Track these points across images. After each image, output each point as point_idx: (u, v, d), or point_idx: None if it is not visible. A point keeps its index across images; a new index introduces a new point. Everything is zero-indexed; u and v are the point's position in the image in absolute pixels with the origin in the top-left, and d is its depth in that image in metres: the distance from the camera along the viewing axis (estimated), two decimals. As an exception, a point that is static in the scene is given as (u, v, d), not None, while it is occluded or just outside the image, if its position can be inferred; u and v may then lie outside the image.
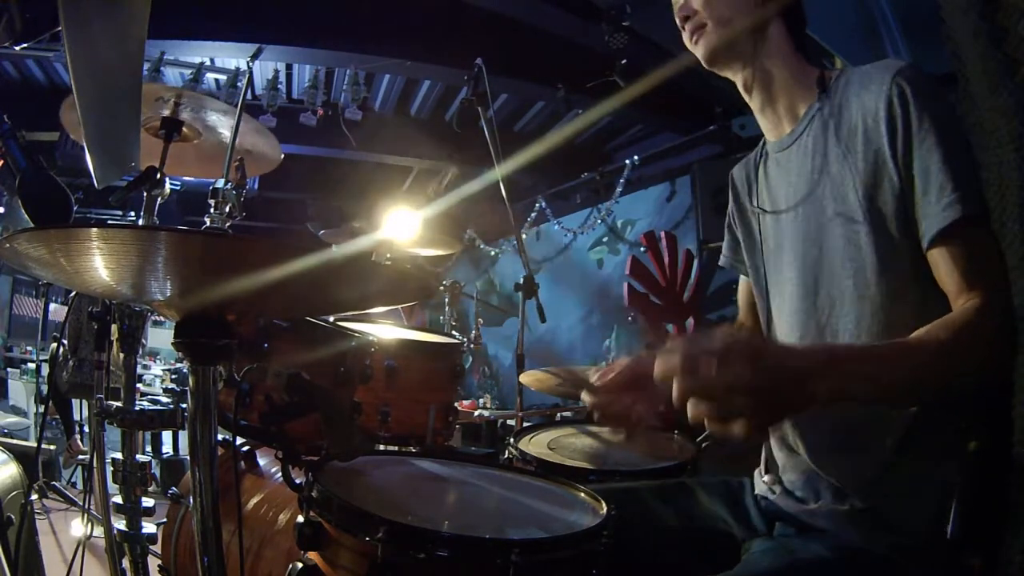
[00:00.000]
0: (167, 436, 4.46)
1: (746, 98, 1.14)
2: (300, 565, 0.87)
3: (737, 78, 1.11)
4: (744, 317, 1.30)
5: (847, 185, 0.97)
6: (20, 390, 5.53)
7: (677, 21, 1.11)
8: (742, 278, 1.29)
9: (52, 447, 3.61)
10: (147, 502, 1.63)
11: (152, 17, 1.04)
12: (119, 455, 1.59)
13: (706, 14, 1.06)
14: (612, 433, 1.08)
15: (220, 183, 1.47)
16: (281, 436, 1.07)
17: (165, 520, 1.51)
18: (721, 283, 4.40)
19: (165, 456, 4.10)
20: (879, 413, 0.93)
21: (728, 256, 1.30)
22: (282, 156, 1.96)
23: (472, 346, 3.61)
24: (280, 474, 1.10)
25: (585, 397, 1.09)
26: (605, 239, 5.58)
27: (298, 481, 1.00)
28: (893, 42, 1.95)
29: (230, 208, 1.48)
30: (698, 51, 1.09)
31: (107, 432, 1.80)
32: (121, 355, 1.61)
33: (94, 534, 2.22)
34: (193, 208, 5.52)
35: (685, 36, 1.11)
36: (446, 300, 3.61)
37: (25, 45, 3.61)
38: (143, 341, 1.70)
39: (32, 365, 5.46)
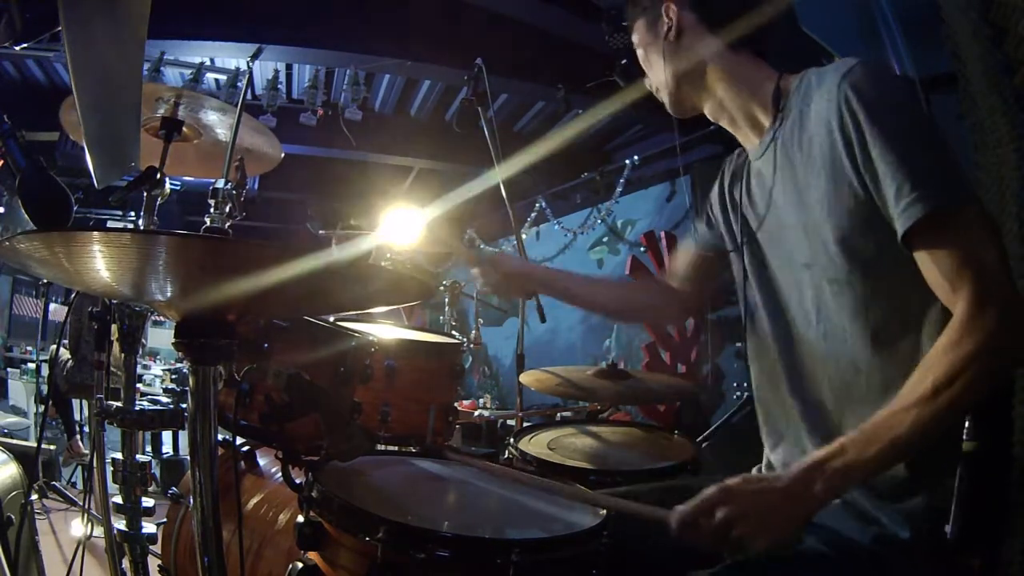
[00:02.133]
0: (167, 436, 4.46)
1: (719, 124, 1.16)
2: (300, 565, 0.87)
3: (705, 111, 1.16)
4: (671, 276, 1.39)
5: (810, 195, 0.97)
6: (20, 390, 5.52)
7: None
8: (693, 244, 1.34)
9: (52, 447, 3.60)
10: (147, 502, 1.63)
11: (152, 17, 1.04)
12: (119, 455, 1.59)
13: (652, 80, 1.17)
14: None
15: (220, 183, 1.46)
16: (281, 436, 1.07)
17: (165, 520, 1.51)
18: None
19: (165, 456, 4.10)
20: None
21: (701, 234, 1.32)
22: (282, 156, 1.96)
23: (472, 346, 3.60)
24: (280, 474, 1.10)
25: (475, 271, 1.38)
26: (605, 239, 5.57)
27: (298, 481, 1.00)
28: (893, 42, 1.95)
29: (230, 208, 1.47)
30: (668, 109, 1.18)
31: (107, 432, 1.80)
32: (121, 355, 1.60)
33: (94, 534, 2.22)
34: (193, 208, 5.52)
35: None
36: (446, 300, 3.61)
37: (25, 45, 3.60)
38: (143, 341, 1.70)
39: (32, 365, 5.45)
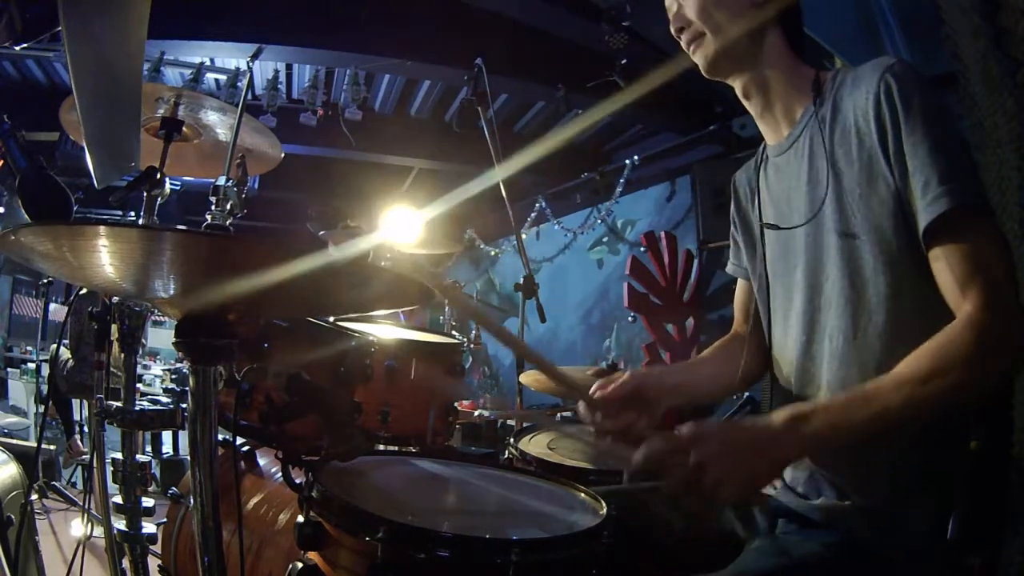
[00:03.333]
0: (167, 436, 4.46)
1: (745, 104, 1.13)
2: (300, 565, 0.87)
3: (736, 84, 1.11)
4: (739, 322, 1.31)
5: (842, 188, 0.97)
6: (20, 390, 5.52)
7: (672, 31, 1.10)
8: (740, 281, 1.29)
9: (52, 447, 3.60)
10: (147, 502, 1.63)
11: (152, 17, 1.04)
12: (119, 455, 1.59)
13: (702, 24, 1.05)
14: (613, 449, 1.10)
15: (222, 180, 1.46)
16: (281, 436, 1.07)
17: (165, 520, 1.51)
18: (721, 283, 4.40)
19: (165, 456, 4.09)
20: None
21: (734, 263, 1.30)
22: (282, 156, 1.96)
23: (472, 346, 3.61)
24: (280, 474, 1.10)
25: (582, 411, 1.08)
26: (605, 239, 5.58)
27: (298, 481, 1.00)
28: (893, 42, 1.95)
29: (231, 205, 1.48)
30: (697, 60, 1.08)
31: (107, 432, 1.80)
32: (121, 355, 1.61)
33: (94, 534, 2.22)
34: (193, 208, 5.52)
35: (683, 44, 1.09)
36: (446, 300, 3.61)
37: (25, 45, 3.60)
38: (143, 341, 1.70)
39: (32, 365, 5.45)
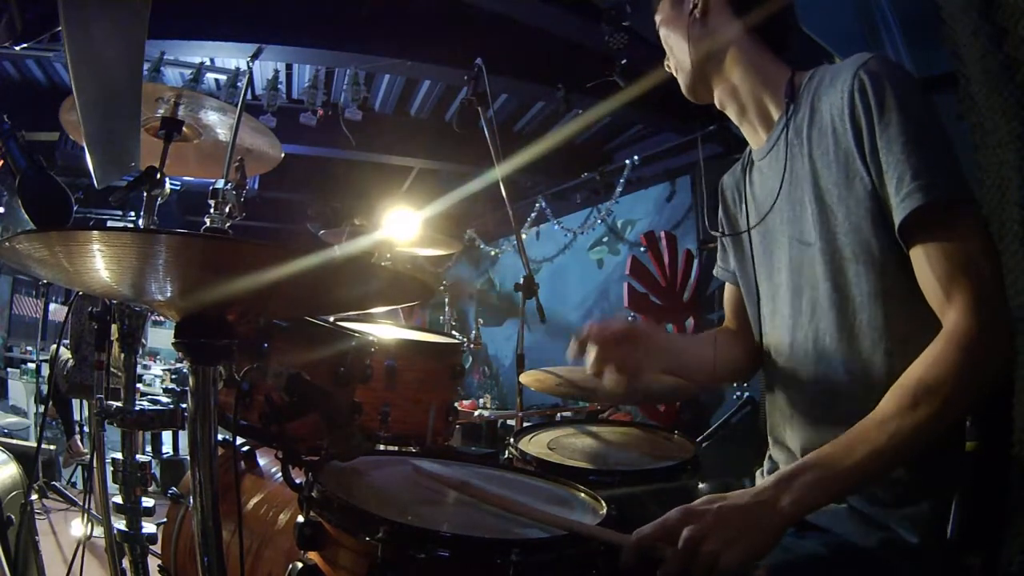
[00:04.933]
0: (167, 436, 4.46)
1: (725, 112, 1.15)
2: (300, 565, 0.87)
3: (714, 98, 1.15)
4: (730, 322, 1.31)
5: (821, 189, 0.96)
6: (20, 390, 5.52)
7: (667, 69, 1.19)
8: (727, 286, 1.30)
9: (52, 447, 3.61)
10: (147, 502, 1.63)
11: (152, 17, 1.04)
12: (119, 455, 1.59)
13: (672, 62, 1.16)
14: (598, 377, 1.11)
15: (220, 183, 1.46)
16: (281, 436, 1.07)
17: (165, 520, 1.51)
18: (721, 283, 4.39)
19: (165, 456, 4.10)
20: None
21: (721, 266, 1.31)
22: (282, 156, 1.96)
23: (472, 346, 3.61)
24: (280, 474, 1.10)
25: (573, 346, 1.09)
26: (605, 239, 5.58)
27: (298, 481, 1.00)
28: (893, 42, 1.95)
29: (230, 208, 1.48)
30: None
31: (107, 432, 1.80)
32: (121, 355, 1.61)
33: (94, 534, 2.22)
34: (193, 208, 5.51)
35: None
36: (446, 300, 3.61)
37: (25, 45, 3.60)
38: (143, 341, 1.70)
39: (32, 365, 5.45)
